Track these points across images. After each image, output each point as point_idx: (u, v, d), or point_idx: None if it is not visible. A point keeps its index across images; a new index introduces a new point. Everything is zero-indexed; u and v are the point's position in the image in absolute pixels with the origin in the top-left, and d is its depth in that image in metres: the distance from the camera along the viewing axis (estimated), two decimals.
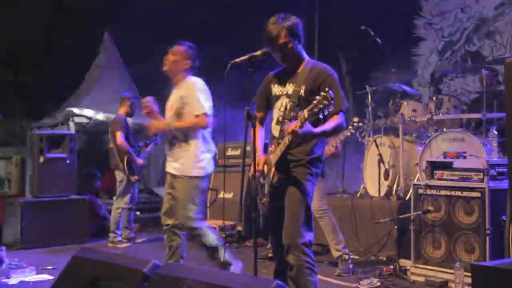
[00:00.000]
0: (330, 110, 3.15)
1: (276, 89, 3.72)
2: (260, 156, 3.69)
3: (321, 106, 3.12)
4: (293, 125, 3.25)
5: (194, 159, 4.50)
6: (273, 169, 3.60)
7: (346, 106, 3.57)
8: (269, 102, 3.78)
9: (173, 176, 4.58)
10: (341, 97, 3.51)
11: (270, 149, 3.69)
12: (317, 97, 3.15)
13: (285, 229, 3.52)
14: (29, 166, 8.85)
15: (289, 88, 3.64)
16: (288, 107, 3.59)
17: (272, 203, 3.63)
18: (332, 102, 3.10)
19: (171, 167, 4.60)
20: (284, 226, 3.54)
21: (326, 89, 3.15)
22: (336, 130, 3.58)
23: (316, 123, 3.38)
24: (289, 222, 3.52)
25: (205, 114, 4.45)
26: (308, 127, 3.25)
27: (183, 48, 4.61)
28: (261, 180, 3.68)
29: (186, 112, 4.51)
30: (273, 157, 3.59)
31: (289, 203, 3.55)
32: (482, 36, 7.96)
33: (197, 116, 4.45)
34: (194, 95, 4.47)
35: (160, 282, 2.69)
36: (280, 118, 3.63)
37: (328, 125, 3.44)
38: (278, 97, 3.69)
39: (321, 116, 3.16)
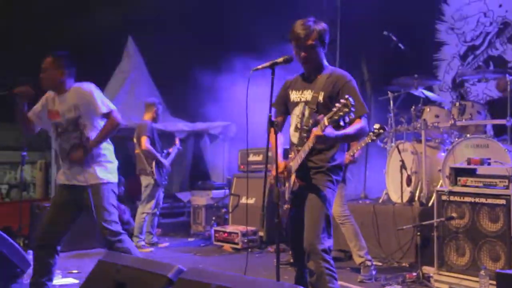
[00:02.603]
0: (350, 117, 3.17)
1: (294, 95, 3.74)
2: (280, 162, 3.68)
3: (341, 113, 3.15)
4: (316, 130, 3.28)
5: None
6: (293, 176, 3.63)
7: (367, 111, 3.58)
8: (287, 107, 3.80)
9: None
10: (361, 102, 3.52)
11: (289, 156, 3.71)
12: (337, 104, 3.17)
13: (305, 235, 3.54)
14: (54, 170, 8.99)
15: (308, 94, 3.65)
16: (307, 113, 3.61)
17: (292, 209, 3.66)
18: (352, 109, 3.14)
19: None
20: (304, 233, 3.56)
21: (346, 96, 3.18)
22: (359, 134, 3.59)
23: (337, 129, 3.38)
24: (309, 228, 3.54)
25: (112, 112, 4.35)
26: (331, 130, 3.27)
27: (51, 60, 4.37)
28: (282, 186, 3.70)
29: (85, 119, 4.33)
30: (293, 164, 3.61)
31: (309, 210, 3.57)
32: (505, 41, 7.89)
33: (106, 115, 4.33)
34: (91, 100, 4.30)
35: (184, 287, 2.72)
36: (299, 125, 3.66)
37: (350, 129, 3.44)
38: (296, 104, 3.71)
39: (341, 123, 3.19)
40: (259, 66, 3.52)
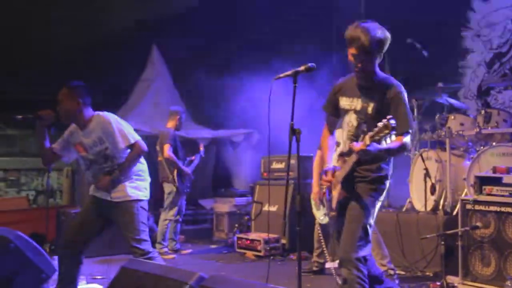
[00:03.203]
0: (390, 139, 3.22)
1: (344, 101, 3.74)
2: (329, 168, 3.74)
3: (382, 134, 3.19)
4: (360, 145, 3.31)
5: None
6: (339, 185, 3.67)
7: (413, 127, 3.60)
8: (337, 110, 3.82)
9: None
10: (407, 118, 3.52)
11: (337, 161, 3.76)
12: (379, 124, 3.19)
13: (341, 243, 3.61)
14: (79, 177, 9.11)
15: (357, 103, 3.65)
16: (355, 123, 3.64)
17: (338, 218, 3.72)
18: (392, 132, 3.16)
19: None
20: (341, 240, 3.63)
21: (388, 117, 3.19)
22: (400, 150, 3.60)
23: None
24: (346, 236, 3.60)
25: (136, 142, 4.34)
26: (373, 145, 3.28)
27: (66, 91, 4.34)
28: (330, 195, 3.77)
29: (113, 150, 4.33)
30: (340, 174, 3.66)
31: (348, 218, 3.63)
32: None
33: (131, 145, 4.33)
34: (112, 134, 4.28)
35: None
36: (349, 135, 3.69)
37: (393, 144, 3.47)
38: (346, 111, 3.72)
39: (383, 143, 3.23)
40: (281, 75, 3.55)
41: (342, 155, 3.72)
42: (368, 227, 3.60)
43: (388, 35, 3.57)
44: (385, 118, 3.19)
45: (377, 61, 3.61)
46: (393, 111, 3.44)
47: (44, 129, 4.37)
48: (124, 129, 4.33)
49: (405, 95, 3.59)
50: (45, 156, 4.47)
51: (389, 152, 3.54)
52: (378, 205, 3.72)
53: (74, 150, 4.48)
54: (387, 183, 3.75)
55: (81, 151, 4.43)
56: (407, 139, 3.51)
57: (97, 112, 4.40)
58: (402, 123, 3.42)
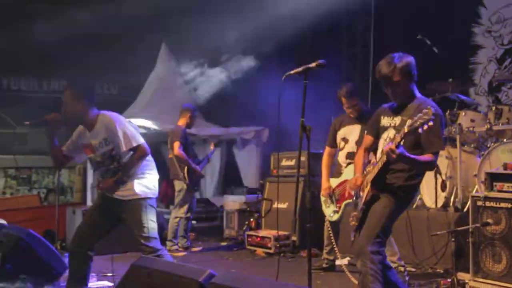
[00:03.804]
0: (430, 124, 3.27)
1: (385, 120, 3.88)
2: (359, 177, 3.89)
3: (421, 121, 3.27)
4: (390, 145, 3.42)
5: None
6: (368, 186, 3.76)
7: (442, 149, 3.79)
8: (378, 132, 3.93)
9: None
10: (439, 139, 3.64)
11: (368, 169, 3.85)
12: (419, 114, 3.31)
13: (359, 237, 3.72)
14: (90, 175, 9.15)
15: (397, 120, 3.79)
16: (393, 136, 3.71)
17: (363, 219, 3.79)
18: (432, 117, 3.26)
19: None
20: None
21: (429, 106, 3.33)
22: (425, 165, 3.72)
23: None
24: (365, 230, 3.71)
25: (140, 145, 4.30)
26: (402, 149, 3.43)
27: (69, 93, 4.31)
28: (358, 198, 3.88)
29: (118, 151, 4.30)
30: (370, 176, 3.76)
31: (370, 215, 3.74)
32: None
33: (134, 148, 4.30)
34: (115, 136, 4.25)
35: None
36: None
37: (422, 157, 3.61)
38: (385, 128, 3.85)
39: (420, 130, 3.29)
40: (292, 71, 3.56)
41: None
42: (387, 229, 3.72)
43: (409, 60, 3.78)
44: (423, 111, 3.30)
45: (411, 85, 3.78)
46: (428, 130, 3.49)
47: (53, 133, 4.37)
48: (128, 131, 4.29)
49: (442, 118, 3.74)
50: (56, 158, 4.49)
51: (415, 162, 3.63)
52: (399, 213, 3.83)
53: (82, 152, 4.50)
54: (416, 196, 3.82)
55: (89, 153, 4.44)
56: (434, 158, 3.64)
57: (102, 112, 4.39)
58: (436, 142, 3.60)
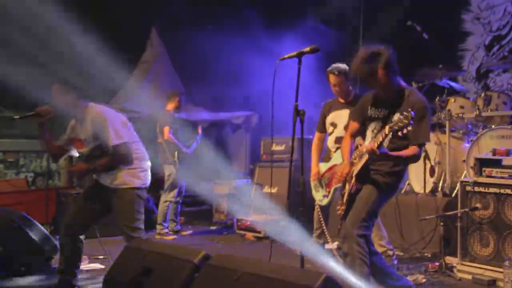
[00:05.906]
0: (409, 128, 3.27)
1: (372, 111, 3.86)
2: (347, 163, 3.89)
3: (401, 124, 3.27)
4: (371, 145, 3.45)
5: None
6: (353, 179, 3.77)
7: (428, 141, 3.74)
8: (364, 119, 3.92)
9: None
10: (424, 131, 3.63)
11: (353, 160, 3.85)
12: (400, 116, 3.30)
13: (346, 221, 3.74)
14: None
15: (384, 112, 3.78)
16: (377, 132, 3.73)
17: (347, 210, 3.80)
18: (411, 122, 3.25)
19: None
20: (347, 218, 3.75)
21: (409, 109, 3.31)
22: (409, 159, 3.75)
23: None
24: (351, 214, 3.72)
25: (125, 143, 4.24)
26: (384, 149, 3.46)
27: (58, 86, 4.30)
28: (343, 189, 3.89)
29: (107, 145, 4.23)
30: (355, 168, 3.77)
31: (357, 200, 3.75)
32: None
33: (115, 146, 4.20)
34: (105, 130, 4.20)
35: (211, 273, 2.77)
36: (370, 139, 3.79)
37: (404, 153, 3.63)
38: (372, 119, 3.84)
39: (400, 134, 3.30)
40: (286, 56, 3.55)
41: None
42: (373, 214, 3.73)
43: (388, 53, 3.68)
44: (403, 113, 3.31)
45: (393, 76, 3.70)
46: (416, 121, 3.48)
47: (43, 125, 4.33)
48: (115, 126, 4.23)
49: (429, 110, 3.72)
50: (51, 150, 4.49)
51: (398, 159, 3.68)
52: (387, 198, 3.86)
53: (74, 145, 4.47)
54: (399, 181, 3.86)
55: (79, 147, 4.42)
56: (419, 151, 3.64)
57: (90, 104, 4.34)
58: (422, 134, 3.60)
